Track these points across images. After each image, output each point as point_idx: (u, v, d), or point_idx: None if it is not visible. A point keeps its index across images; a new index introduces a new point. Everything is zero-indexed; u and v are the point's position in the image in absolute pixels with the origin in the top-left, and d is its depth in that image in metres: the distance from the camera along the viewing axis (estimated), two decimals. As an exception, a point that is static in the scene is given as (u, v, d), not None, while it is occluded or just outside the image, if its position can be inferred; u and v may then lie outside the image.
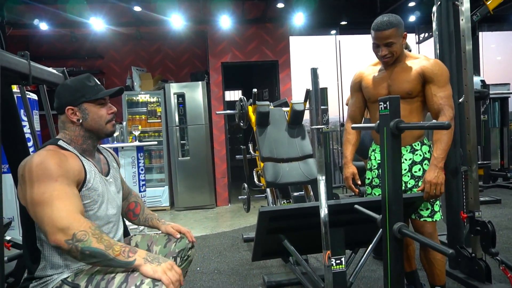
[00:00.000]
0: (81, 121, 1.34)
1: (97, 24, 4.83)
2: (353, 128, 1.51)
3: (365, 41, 6.47)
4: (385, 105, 1.19)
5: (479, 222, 2.14)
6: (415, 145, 1.82)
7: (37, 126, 3.89)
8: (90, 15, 4.81)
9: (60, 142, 1.32)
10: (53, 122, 1.95)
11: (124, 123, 5.08)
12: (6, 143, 1.70)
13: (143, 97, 5.35)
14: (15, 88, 2.37)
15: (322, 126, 1.30)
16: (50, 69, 1.64)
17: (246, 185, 3.13)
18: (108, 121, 1.38)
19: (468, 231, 2.27)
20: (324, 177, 1.32)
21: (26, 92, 2.19)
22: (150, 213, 1.71)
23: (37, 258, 1.28)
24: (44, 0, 4.74)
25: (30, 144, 2.11)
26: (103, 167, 1.44)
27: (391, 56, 1.75)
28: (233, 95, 9.00)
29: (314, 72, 1.30)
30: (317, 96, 1.29)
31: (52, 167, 1.17)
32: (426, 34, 6.55)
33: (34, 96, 3.89)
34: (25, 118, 2.44)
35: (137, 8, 4.78)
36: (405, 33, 1.75)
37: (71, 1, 4.73)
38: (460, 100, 2.35)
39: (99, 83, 1.40)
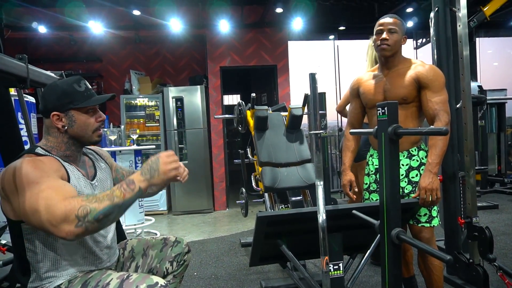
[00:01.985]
0: (66, 128, 1.26)
1: (96, 28, 4.83)
2: (351, 133, 1.51)
3: (364, 46, 6.49)
4: (383, 111, 1.19)
5: (476, 228, 2.14)
6: (412, 151, 1.82)
7: (34, 129, 3.87)
8: (89, 18, 4.82)
9: (38, 150, 1.25)
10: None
11: (122, 126, 5.07)
12: (3, 145, 1.70)
13: (141, 101, 5.35)
14: (12, 91, 2.37)
15: (321, 131, 1.30)
16: (48, 72, 1.63)
17: (244, 190, 3.12)
18: (95, 130, 1.32)
19: (466, 236, 2.27)
20: (322, 182, 1.32)
21: (24, 94, 2.19)
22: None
23: (27, 270, 1.24)
24: (43, 3, 4.74)
25: (27, 147, 2.10)
26: (89, 170, 1.39)
27: (390, 44, 1.76)
28: (232, 99, 9.01)
29: (312, 77, 1.30)
30: (316, 101, 1.29)
31: (30, 171, 1.11)
32: (424, 40, 6.59)
33: (31, 99, 3.88)
34: (22, 121, 2.43)
35: (136, 12, 4.80)
36: (405, 36, 1.80)
37: (70, 4, 4.74)
38: (457, 106, 2.35)
39: (89, 87, 1.32)
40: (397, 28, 1.76)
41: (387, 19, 1.79)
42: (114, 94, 1.38)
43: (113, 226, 1.46)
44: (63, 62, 5.59)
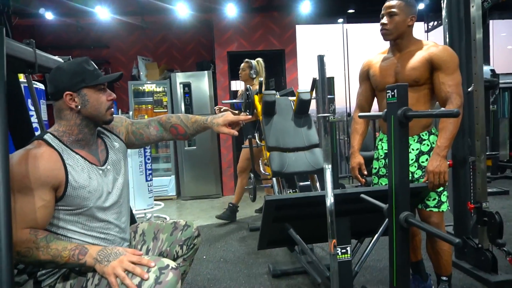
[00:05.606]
0: (79, 107, 1.26)
1: (103, 13, 4.81)
2: (360, 116, 1.49)
3: (373, 29, 6.39)
4: (392, 93, 1.17)
5: (486, 213, 2.13)
6: (423, 135, 1.80)
7: (44, 116, 3.91)
8: (95, 3, 4.79)
9: (47, 136, 1.25)
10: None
11: (131, 112, 5.10)
12: (14, 131, 1.72)
13: (149, 87, 5.35)
14: (22, 78, 2.38)
15: (329, 114, 1.29)
16: (55, 57, 1.63)
17: (252, 175, 3.14)
18: (107, 108, 1.33)
19: (475, 221, 2.25)
20: (330, 166, 1.31)
21: (33, 81, 2.20)
22: (193, 121, 1.59)
23: None
24: (50, -11, 4.73)
25: (37, 133, 2.13)
26: (100, 155, 1.38)
27: (388, 29, 1.74)
28: (239, 85, 8.96)
29: (321, 59, 1.28)
30: (324, 83, 1.28)
31: (19, 177, 1.14)
32: (435, 23, 6.43)
33: (41, 86, 3.91)
34: (32, 108, 2.45)
35: (142, -3, 4.75)
36: (413, 15, 1.74)
37: (76, -11, 4.71)
38: (469, 89, 2.31)
39: (96, 67, 1.33)
40: (398, 10, 1.71)
41: (388, 2, 1.75)
42: (122, 73, 1.38)
43: (127, 210, 1.48)
44: (70, 49, 5.59)
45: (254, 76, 3.71)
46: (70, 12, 4.87)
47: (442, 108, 1.64)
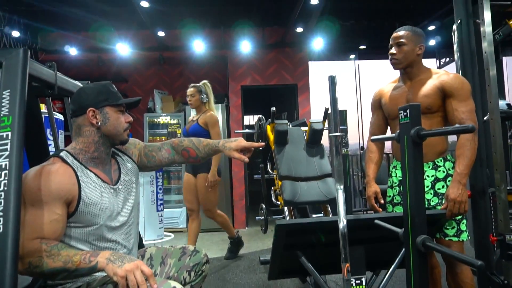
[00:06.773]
0: (100, 124, 1.32)
1: (123, 49, 5.04)
2: (372, 140, 1.47)
3: (385, 65, 6.48)
4: (405, 113, 1.16)
5: (510, 246, 2.01)
6: (438, 161, 1.76)
7: (61, 146, 4.01)
8: (117, 40, 5.04)
9: (63, 154, 1.29)
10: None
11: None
12: (30, 153, 1.76)
13: (164, 119, 5.47)
14: (43, 109, 2.47)
15: (341, 134, 1.27)
16: (75, 81, 1.70)
17: (263, 205, 3.08)
18: (125, 129, 1.39)
19: (499, 256, 2.13)
20: (342, 186, 1.28)
21: (53, 112, 2.27)
22: (204, 144, 1.61)
23: None
24: (77, 28, 5.03)
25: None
26: (113, 174, 1.41)
27: (397, 59, 1.76)
28: (253, 120, 9.08)
29: (332, 80, 1.29)
30: (335, 103, 1.28)
31: (32, 190, 1.16)
32: (447, 59, 6.49)
33: (60, 117, 4.03)
34: (51, 137, 2.51)
35: (161, 33, 4.98)
36: (421, 45, 1.76)
37: (101, 29, 5.00)
38: (484, 118, 2.27)
39: (118, 91, 1.42)
40: (406, 40, 1.75)
41: (396, 33, 1.80)
42: (141, 98, 1.46)
43: (135, 232, 1.47)
44: (91, 82, 5.83)
45: (205, 100, 3.44)
46: (93, 48, 5.13)
47: (457, 125, 1.61)
